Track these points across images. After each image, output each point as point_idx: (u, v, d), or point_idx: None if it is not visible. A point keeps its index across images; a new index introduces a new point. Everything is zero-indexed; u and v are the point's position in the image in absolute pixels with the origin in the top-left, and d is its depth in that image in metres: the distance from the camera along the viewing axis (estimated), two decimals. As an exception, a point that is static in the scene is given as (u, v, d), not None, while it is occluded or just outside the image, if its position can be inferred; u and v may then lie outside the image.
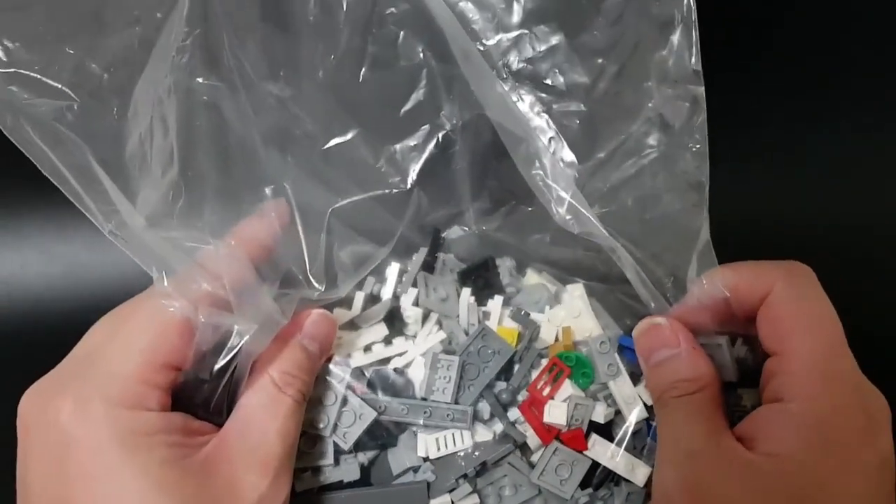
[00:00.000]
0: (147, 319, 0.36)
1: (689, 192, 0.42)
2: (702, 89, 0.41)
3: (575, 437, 0.42)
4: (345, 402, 0.42)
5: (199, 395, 0.38)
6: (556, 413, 0.42)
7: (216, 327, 0.36)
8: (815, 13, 0.67)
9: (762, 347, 0.39)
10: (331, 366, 0.43)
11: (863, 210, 0.71)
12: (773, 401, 0.37)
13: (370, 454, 0.43)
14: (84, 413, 0.34)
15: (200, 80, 0.39)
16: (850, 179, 0.71)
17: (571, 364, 0.43)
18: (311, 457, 0.42)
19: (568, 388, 0.43)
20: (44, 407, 0.35)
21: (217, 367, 0.37)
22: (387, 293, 0.46)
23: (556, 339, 0.45)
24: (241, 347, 0.37)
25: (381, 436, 0.43)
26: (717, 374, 0.40)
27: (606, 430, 0.43)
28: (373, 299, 0.46)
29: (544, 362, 0.44)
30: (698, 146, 0.41)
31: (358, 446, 0.42)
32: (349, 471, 0.42)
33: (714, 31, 0.41)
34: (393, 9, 0.41)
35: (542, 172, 0.40)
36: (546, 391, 0.43)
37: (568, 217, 0.40)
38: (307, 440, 0.42)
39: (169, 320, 0.36)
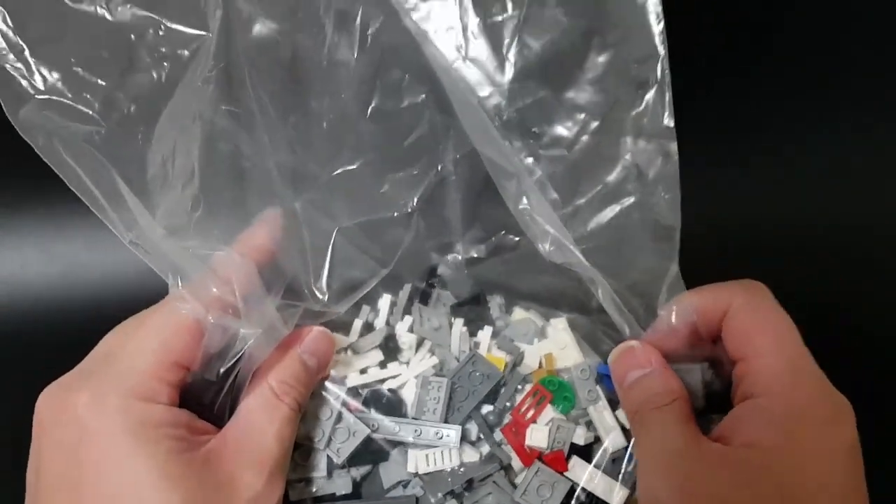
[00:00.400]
0: (162, 321, 0.39)
1: (661, 233, 0.45)
2: (674, 144, 0.44)
3: (556, 459, 0.44)
4: (339, 418, 0.44)
5: (205, 396, 0.40)
6: (537, 437, 0.44)
7: (224, 330, 0.39)
8: (814, 14, 0.68)
9: (728, 359, 0.41)
10: (328, 383, 0.45)
11: (863, 210, 0.71)
12: (744, 400, 0.39)
13: (363, 469, 0.44)
14: (100, 405, 0.36)
15: (223, 107, 0.43)
16: (850, 179, 0.71)
17: (554, 389, 0.45)
18: (305, 468, 0.43)
19: (550, 412, 0.45)
20: (61, 403, 0.37)
21: (222, 369, 0.39)
22: (379, 322, 0.49)
23: (540, 366, 0.47)
24: (244, 352, 0.39)
25: (373, 452, 0.44)
26: (686, 394, 0.42)
27: (586, 453, 0.45)
28: (368, 327, 0.49)
29: (528, 387, 0.46)
30: (670, 194, 0.45)
31: (351, 461, 0.44)
32: (342, 484, 0.43)
33: (714, 35, 0.43)
34: (398, 55, 0.45)
35: (528, 207, 0.44)
36: (529, 415, 0.45)
37: (551, 248, 0.43)
38: (302, 452, 0.44)
39: (182, 321, 0.39)
